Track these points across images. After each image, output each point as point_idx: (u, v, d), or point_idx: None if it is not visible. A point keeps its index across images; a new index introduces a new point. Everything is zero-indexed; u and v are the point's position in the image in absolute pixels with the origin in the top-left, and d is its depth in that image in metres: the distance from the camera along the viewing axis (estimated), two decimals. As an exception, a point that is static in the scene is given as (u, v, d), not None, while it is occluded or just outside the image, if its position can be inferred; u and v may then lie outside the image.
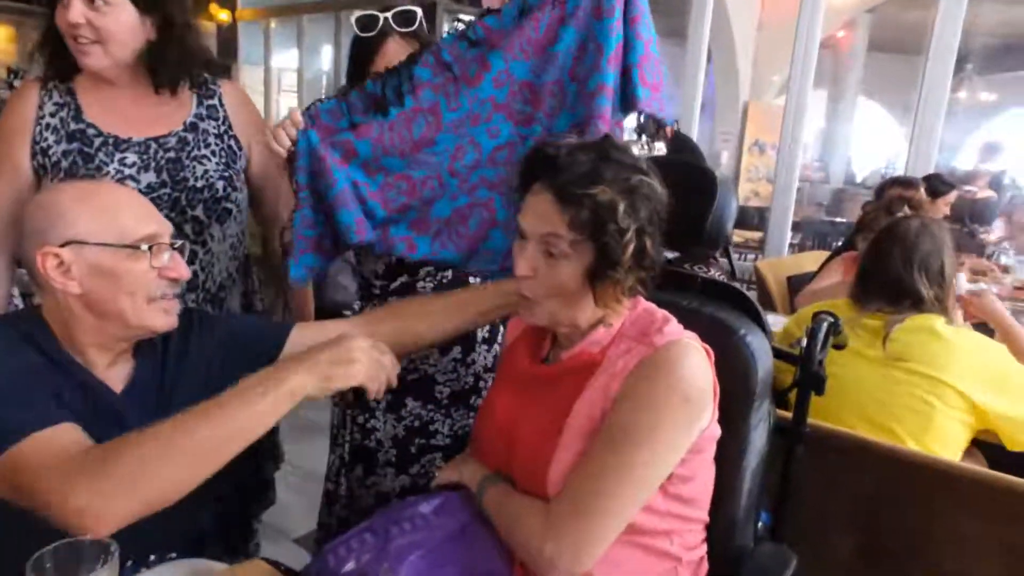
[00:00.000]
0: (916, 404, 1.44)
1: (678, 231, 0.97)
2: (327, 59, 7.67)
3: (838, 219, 6.28)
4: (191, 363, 1.07)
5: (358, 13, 1.30)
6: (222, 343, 1.10)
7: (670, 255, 1.17)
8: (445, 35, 1.20)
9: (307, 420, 2.24)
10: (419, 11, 1.33)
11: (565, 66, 1.16)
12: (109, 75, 1.29)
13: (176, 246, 1.02)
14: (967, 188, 5.24)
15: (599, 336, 0.95)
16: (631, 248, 0.89)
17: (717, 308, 1.08)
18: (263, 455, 1.60)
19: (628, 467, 0.86)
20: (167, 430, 0.83)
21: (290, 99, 8.05)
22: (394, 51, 1.30)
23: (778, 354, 1.12)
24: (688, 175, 1.10)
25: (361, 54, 1.33)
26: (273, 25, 7.33)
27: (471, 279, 1.38)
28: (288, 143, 1.15)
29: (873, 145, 11.87)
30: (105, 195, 0.99)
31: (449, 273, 1.38)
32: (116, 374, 1.01)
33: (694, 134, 4.68)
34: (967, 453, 1.61)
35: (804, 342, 1.13)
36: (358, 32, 1.32)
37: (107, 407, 0.98)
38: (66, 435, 0.84)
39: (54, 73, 1.30)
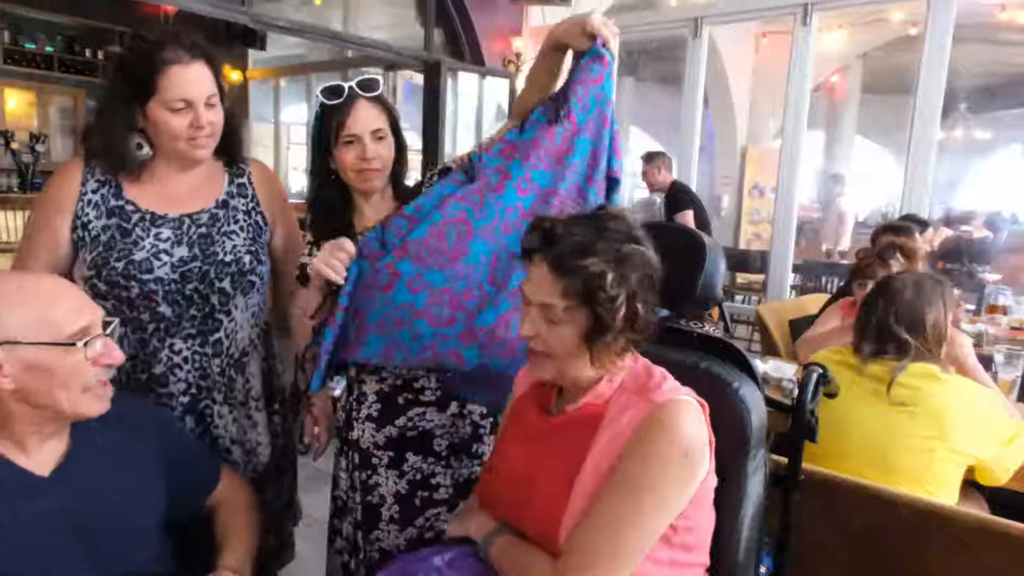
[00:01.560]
0: (917, 448, 1.48)
1: (670, 292, 1.05)
2: (335, 113, 7.91)
3: (840, 261, 6.33)
4: (125, 454, 1.12)
5: (322, 87, 1.41)
6: (162, 452, 1.17)
7: (665, 313, 1.24)
8: (473, 155, 1.33)
9: (318, 470, 2.28)
10: (380, 79, 1.44)
11: (583, 172, 1.30)
12: (203, 161, 1.39)
13: (108, 332, 1.04)
14: (964, 228, 5.32)
15: (601, 389, 1.03)
16: (622, 313, 0.96)
17: (713, 363, 1.14)
18: (283, 512, 1.64)
19: (635, 519, 0.92)
20: None
21: (299, 151, 8.27)
22: (364, 112, 1.39)
23: (771, 404, 1.18)
24: (678, 239, 1.18)
25: (330, 121, 1.40)
26: (283, 83, 7.59)
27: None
28: (344, 272, 1.25)
29: (873, 184, 12.02)
30: (34, 291, 1.00)
31: None
32: (48, 454, 1.05)
33: (693, 178, 4.80)
34: (969, 496, 1.65)
35: (796, 392, 1.19)
36: (326, 101, 1.40)
37: (28, 494, 1.01)
38: None
39: (111, 169, 1.36)
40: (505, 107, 5.37)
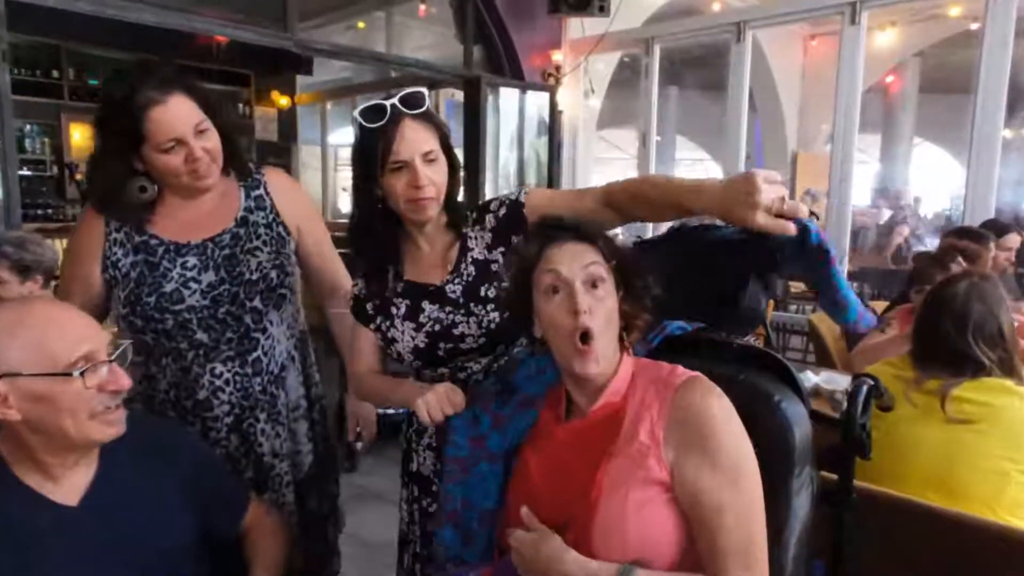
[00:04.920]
0: (989, 470, 1.37)
1: (710, 308, 1.00)
2: (380, 134, 8.07)
3: (901, 267, 6.07)
4: (154, 480, 1.12)
5: (361, 107, 1.22)
6: (192, 477, 1.16)
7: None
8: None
9: (363, 488, 2.26)
10: (425, 91, 1.25)
11: None
12: (211, 188, 1.38)
13: (114, 357, 1.03)
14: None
15: (616, 386, 1.02)
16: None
17: (751, 374, 1.08)
18: (326, 518, 1.64)
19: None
20: None
21: (347, 172, 8.45)
22: (412, 134, 1.21)
23: (818, 418, 1.10)
24: (721, 251, 1.11)
25: (374, 146, 1.21)
26: (329, 107, 7.77)
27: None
28: (441, 418, 1.15)
29: (935, 187, 11.56)
30: (35, 321, 1.00)
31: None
32: (76, 482, 1.05)
33: (740, 187, 4.67)
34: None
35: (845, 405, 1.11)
36: (366, 123, 1.21)
37: (57, 526, 1.02)
38: None
39: (128, 222, 1.37)
40: (547, 119, 5.35)
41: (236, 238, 1.41)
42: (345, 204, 8.71)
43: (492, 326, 1.27)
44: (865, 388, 1.10)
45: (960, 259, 2.17)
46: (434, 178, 1.23)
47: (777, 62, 7.17)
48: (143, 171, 1.34)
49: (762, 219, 0.96)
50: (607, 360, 1.01)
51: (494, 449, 1.14)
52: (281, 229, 1.47)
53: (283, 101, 7.52)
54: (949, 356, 1.47)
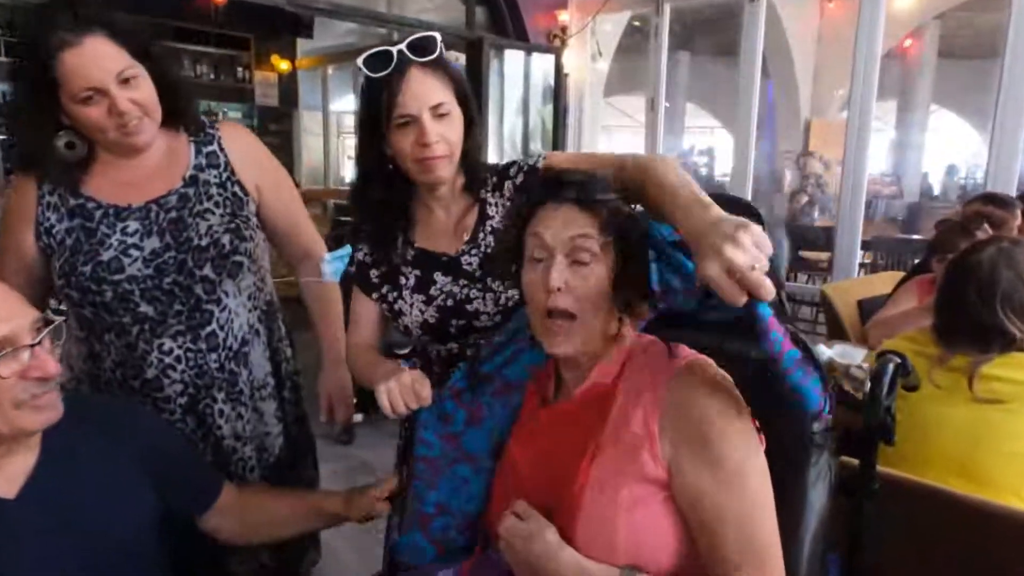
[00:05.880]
0: (1016, 453, 1.27)
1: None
2: (382, 100, 7.90)
3: (914, 236, 5.92)
4: (106, 462, 1.03)
5: (365, 54, 1.11)
6: (138, 457, 1.06)
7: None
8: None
9: (360, 461, 2.18)
10: (438, 36, 1.13)
11: None
12: (146, 146, 1.24)
13: (36, 341, 0.92)
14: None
15: (605, 368, 0.92)
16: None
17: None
18: None
19: (756, 495, 0.82)
20: None
21: (348, 140, 8.29)
22: (419, 85, 1.09)
23: (839, 399, 1.00)
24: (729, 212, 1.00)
25: (379, 98, 1.10)
26: (330, 71, 7.60)
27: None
28: (404, 410, 1.02)
29: (951, 156, 11.32)
30: None
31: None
32: (13, 472, 0.96)
33: (751, 153, 4.54)
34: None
35: (868, 386, 1.01)
36: (370, 72, 1.10)
37: None
38: None
39: (62, 182, 1.24)
40: (552, 83, 5.19)
41: (184, 199, 1.28)
42: (350, 173, 8.57)
43: (510, 303, 1.16)
44: (891, 367, 1.00)
45: (986, 226, 2.04)
46: (445, 134, 1.11)
47: (792, 25, 6.94)
48: (69, 124, 1.20)
49: (716, 272, 0.75)
50: (585, 339, 0.90)
51: (474, 451, 1.05)
52: (237, 188, 1.33)
53: (283, 65, 7.35)
54: (975, 329, 1.37)
